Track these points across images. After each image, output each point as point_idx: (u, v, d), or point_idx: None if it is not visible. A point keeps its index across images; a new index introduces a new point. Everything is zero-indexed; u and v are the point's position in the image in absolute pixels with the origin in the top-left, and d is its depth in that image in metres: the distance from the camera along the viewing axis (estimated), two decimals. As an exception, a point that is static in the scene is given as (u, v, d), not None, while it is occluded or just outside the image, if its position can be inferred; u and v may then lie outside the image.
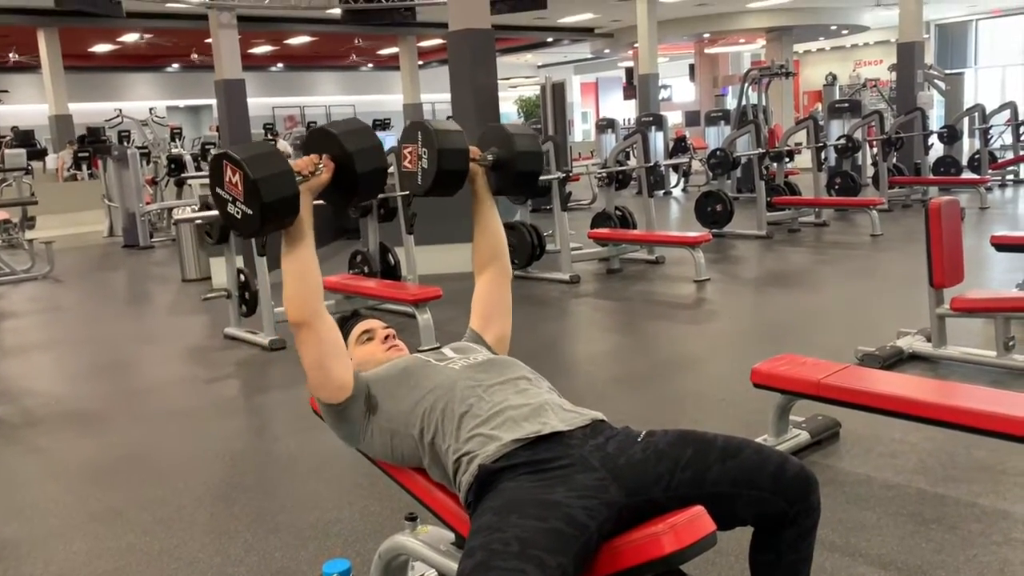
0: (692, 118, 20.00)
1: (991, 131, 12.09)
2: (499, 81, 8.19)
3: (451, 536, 2.00)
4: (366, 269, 6.24)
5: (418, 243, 6.04)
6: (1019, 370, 3.85)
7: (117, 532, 2.85)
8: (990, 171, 11.67)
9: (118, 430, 3.99)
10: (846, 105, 13.38)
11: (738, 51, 25.39)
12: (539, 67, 30.41)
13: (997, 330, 3.87)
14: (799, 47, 24.44)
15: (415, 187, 2.11)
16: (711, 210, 8.81)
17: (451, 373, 1.89)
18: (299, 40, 21.84)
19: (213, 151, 9.41)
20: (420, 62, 23.39)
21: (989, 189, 10.86)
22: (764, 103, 13.60)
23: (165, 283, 8.18)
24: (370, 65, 28.21)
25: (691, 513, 1.57)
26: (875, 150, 11.01)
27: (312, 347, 1.86)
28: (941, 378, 3.86)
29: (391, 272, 6.18)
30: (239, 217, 1.79)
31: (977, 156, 11.79)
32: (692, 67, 24.12)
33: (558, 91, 10.37)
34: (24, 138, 18.12)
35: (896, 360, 4.13)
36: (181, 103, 26.30)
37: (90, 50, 21.44)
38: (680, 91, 27.15)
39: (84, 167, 15.69)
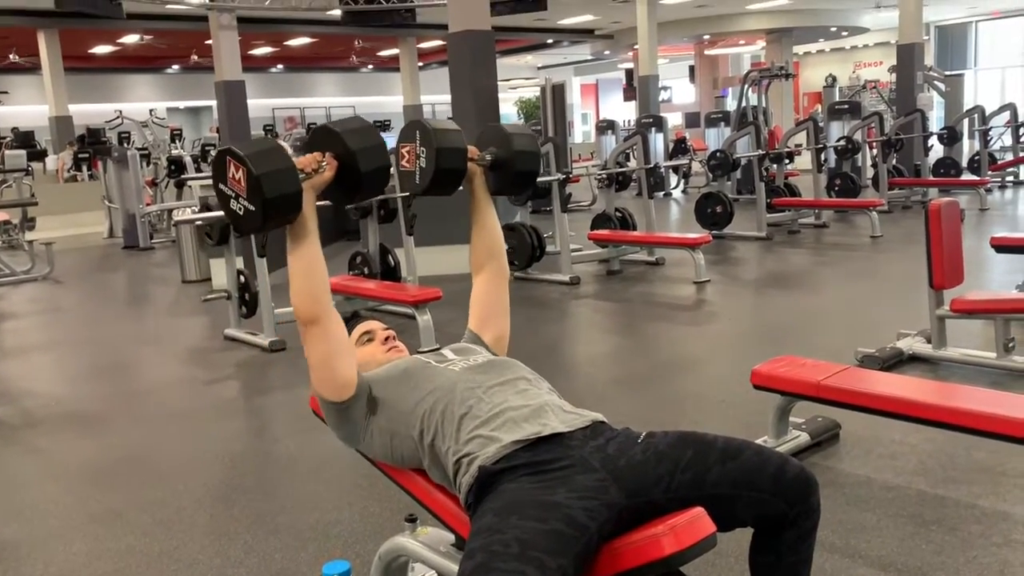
0: (692, 119, 20.03)
1: (991, 133, 12.09)
2: (499, 82, 8.19)
3: (451, 537, 2.00)
4: (366, 270, 6.24)
5: (418, 244, 6.03)
6: (1019, 371, 3.85)
7: (117, 533, 2.85)
8: (990, 172, 11.68)
9: (118, 431, 3.99)
10: (846, 106, 13.38)
11: (738, 53, 25.43)
12: (539, 68, 30.45)
13: (997, 331, 3.87)
14: (799, 49, 24.46)
15: (413, 186, 2.11)
16: (711, 211, 8.80)
17: (451, 375, 1.89)
18: (299, 41, 21.85)
19: (213, 152, 9.40)
20: (420, 63, 23.40)
21: (989, 190, 10.86)
22: (764, 105, 13.60)
23: (165, 284, 8.18)
24: (370, 66, 28.21)
25: (691, 514, 1.57)
26: (875, 151, 11.01)
27: (320, 344, 1.86)
28: (941, 379, 3.85)
29: (391, 273, 6.18)
30: (241, 213, 1.79)
31: (977, 158, 11.80)
32: (692, 68, 24.14)
33: (558, 92, 10.36)
34: (24, 139, 18.09)
35: (896, 361, 4.14)
36: (181, 104, 26.33)
37: (90, 51, 21.47)
38: (680, 92, 27.18)
39: (84, 168, 15.66)
